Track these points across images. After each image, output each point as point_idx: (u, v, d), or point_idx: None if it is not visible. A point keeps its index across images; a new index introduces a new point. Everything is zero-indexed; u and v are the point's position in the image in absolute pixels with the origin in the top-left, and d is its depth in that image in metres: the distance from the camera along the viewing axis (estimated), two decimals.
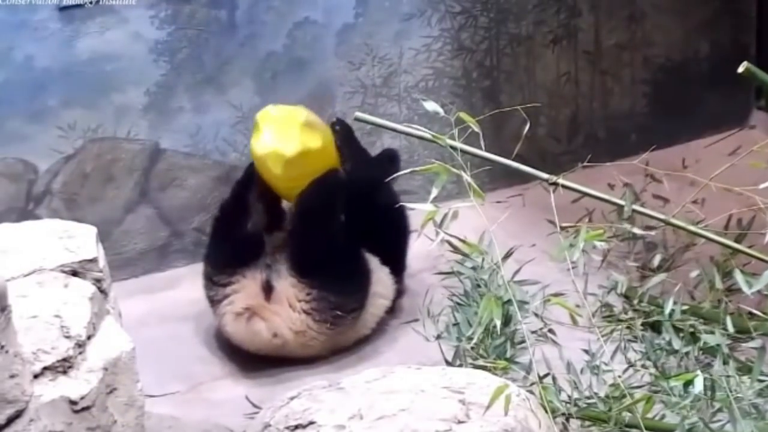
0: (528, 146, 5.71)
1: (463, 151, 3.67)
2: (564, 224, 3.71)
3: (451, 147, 3.56)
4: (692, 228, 3.88)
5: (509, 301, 4.29)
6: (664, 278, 4.32)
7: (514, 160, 4.11)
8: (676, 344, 4.28)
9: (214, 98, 5.18)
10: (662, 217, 3.86)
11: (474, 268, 4.75)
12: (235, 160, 5.21)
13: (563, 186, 3.78)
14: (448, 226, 3.52)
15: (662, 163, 5.87)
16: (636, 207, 3.88)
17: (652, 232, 3.99)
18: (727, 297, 4.35)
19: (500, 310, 3.36)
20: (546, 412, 3.32)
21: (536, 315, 4.57)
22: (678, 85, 6.02)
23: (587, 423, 3.94)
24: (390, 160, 4.82)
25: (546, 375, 4.14)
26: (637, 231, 3.88)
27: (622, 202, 3.86)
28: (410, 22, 5.43)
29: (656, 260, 4.57)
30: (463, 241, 4.11)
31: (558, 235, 5.34)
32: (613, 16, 5.84)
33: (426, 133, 3.65)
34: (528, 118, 5.71)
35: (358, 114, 3.79)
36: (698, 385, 3.39)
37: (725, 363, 3.99)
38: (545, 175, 3.86)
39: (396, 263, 4.75)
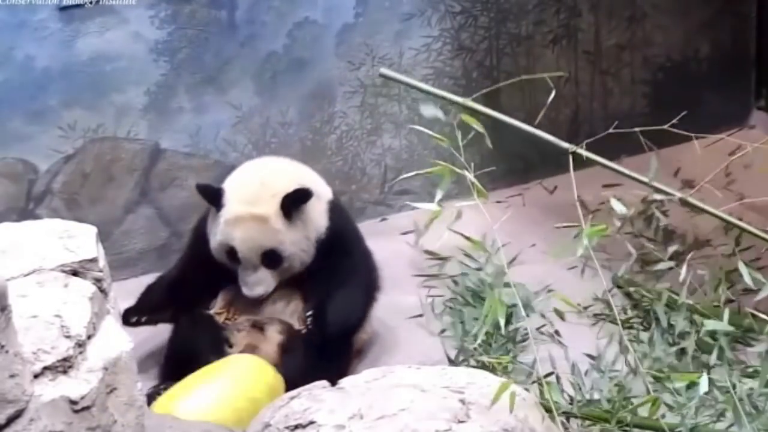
0: (528, 146, 5.73)
1: (482, 113, 3.65)
2: (563, 224, 3.71)
3: (470, 109, 3.53)
4: (708, 208, 3.82)
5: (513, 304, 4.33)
6: (671, 266, 4.30)
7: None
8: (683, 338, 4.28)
9: (214, 98, 5.18)
10: (679, 194, 3.83)
11: (479, 269, 4.76)
12: (235, 160, 5.21)
13: (586, 158, 3.74)
14: (452, 224, 3.52)
15: (662, 163, 5.89)
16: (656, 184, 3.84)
17: (675, 195, 3.91)
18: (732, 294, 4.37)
19: (504, 309, 3.36)
20: (547, 411, 3.32)
21: (541, 315, 4.58)
22: (678, 85, 6.03)
23: (588, 423, 3.94)
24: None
25: (549, 374, 4.15)
26: (659, 194, 3.81)
27: (643, 178, 3.83)
28: (410, 22, 5.43)
29: (670, 250, 4.52)
30: (469, 238, 4.10)
31: (558, 234, 5.38)
32: (613, 16, 5.84)
33: (452, 97, 3.62)
34: (528, 118, 5.74)
35: (383, 70, 3.75)
36: (703, 386, 3.38)
37: (729, 366, 3.99)
38: (566, 144, 3.85)
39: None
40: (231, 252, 4.34)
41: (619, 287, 4.74)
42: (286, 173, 4.42)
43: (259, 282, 4.35)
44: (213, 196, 4.36)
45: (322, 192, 4.50)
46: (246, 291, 4.36)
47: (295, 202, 4.29)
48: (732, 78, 6.14)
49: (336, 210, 4.49)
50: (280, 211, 4.27)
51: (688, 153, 5.95)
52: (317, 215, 4.38)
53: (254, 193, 4.31)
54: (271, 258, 4.32)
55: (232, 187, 4.38)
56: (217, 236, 4.36)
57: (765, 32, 6.11)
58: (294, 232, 4.30)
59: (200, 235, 4.47)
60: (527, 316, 4.48)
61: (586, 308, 4.68)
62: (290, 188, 4.30)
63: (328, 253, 4.38)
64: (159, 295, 4.55)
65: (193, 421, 4.05)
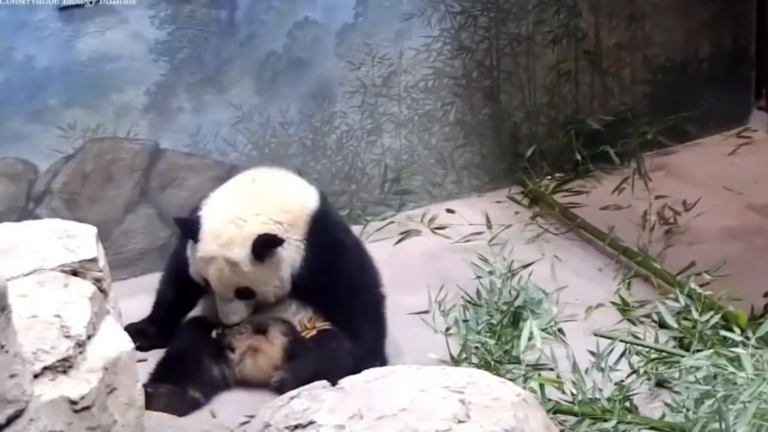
0: (528, 146, 5.74)
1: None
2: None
3: None
4: None
5: (522, 306, 4.37)
6: None
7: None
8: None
9: (214, 98, 5.18)
10: None
11: (491, 272, 4.76)
12: (235, 160, 5.22)
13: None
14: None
15: (662, 162, 5.91)
16: None
17: None
18: None
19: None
20: (547, 411, 3.32)
21: (545, 315, 4.58)
22: (678, 85, 6.03)
23: (589, 422, 3.95)
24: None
25: (549, 372, 4.16)
26: None
27: None
28: (410, 22, 5.43)
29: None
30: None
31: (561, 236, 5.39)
32: (613, 16, 5.84)
33: None
34: (528, 117, 5.75)
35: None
36: None
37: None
38: None
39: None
40: (206, 281, 4.43)
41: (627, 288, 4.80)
42: (262, 208, 4.40)
43: (233, 312, 4.43)
44: (190, 230, 4.42)
45: (304, 207, 4.48)
46: (222, 318, 4.45)
47: (265, 247, 4.32)
48: (732, 78, 6.14)
49: (320, 222, 4.47)
50: (252, 255, 4.32)
51: (689, 153, 5.98)
52: (291, 252, 4.40)
53: (228, 235, 4.34)
54: (243, 292, 4.40)
55: (209, 221, 4.40)
56: (193, 266, 4.45)
57: (765, 32, 6.12)
58: (266, 273, 4.37)
59: (181, 258, 4.52)
60: (533, 315, 4.50)
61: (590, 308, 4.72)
62: (262, 230, 4.32)
63: (322, 266, 4.43)
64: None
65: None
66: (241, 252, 4.31)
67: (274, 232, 4.34)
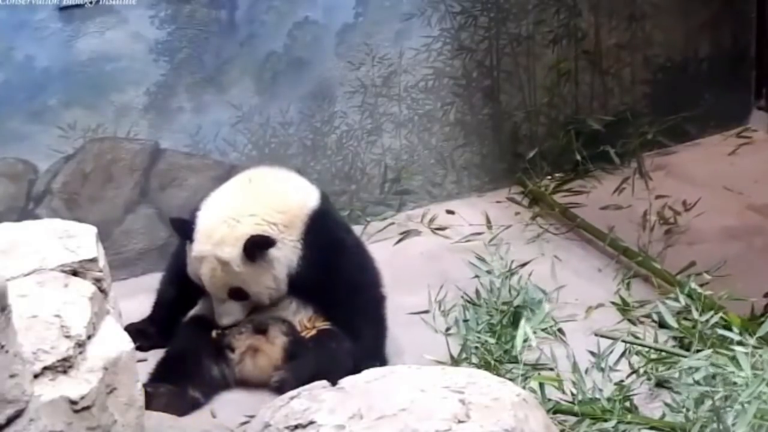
0: (528, 146, 5.74)
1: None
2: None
3: None
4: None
5: (522, 305, 4.37)
6: None
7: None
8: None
9: (214, 98, 5.18)
10: None
11: (489, 272, 4.76)
12: (235, 160, 5.22)
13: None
14: None
15: (662, 162, 5.91)
16: None
17: None
18: None
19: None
20: (547, 411, 3.32)
21: (543, 314, 4.58)
22: (678, 85, 6.03)
23: (589, 422, 3.95)
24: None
25: (548, 371, 4.16)
26: None
27: None
28: (410, 22, 5.43)
29: None
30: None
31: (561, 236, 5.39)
32: (613, 16, 5.84)
33: None
34: (528, 117, 5.75)
35: None
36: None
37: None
38: None
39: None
40: (201, 281, 4.44)
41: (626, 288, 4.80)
42: (257, 209, 4.40)
43: (227, 313, 4.44)
44: (184, 230, 4.44)
45: (302, 206, 4.47)
46: (216, 319, 4.46)
47: (256, 248, 4.32)
48: (732, 78, 6.15)
49: (318, 222, 4.47)
50: (243, 255, 4.32)
51: (689, 153, 5.99)
52: (287, 252, 4.40)
53: (220, 235, 4.35)
54: (237, 293, 4.41)
55: (203, 221, 4.42)
56: (189, 266, 4.47)
57: (765, 32, 6.12)
58: (258, 274, 4.36)
59: (181, 258, 4.53)
60: (535, 314, 4.51)
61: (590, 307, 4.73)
62: (254, 231, 4.32)
63: (321, 265, 4.42)
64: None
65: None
66: (233, 252, 4.32)
67: (267, 234, 4.34)
